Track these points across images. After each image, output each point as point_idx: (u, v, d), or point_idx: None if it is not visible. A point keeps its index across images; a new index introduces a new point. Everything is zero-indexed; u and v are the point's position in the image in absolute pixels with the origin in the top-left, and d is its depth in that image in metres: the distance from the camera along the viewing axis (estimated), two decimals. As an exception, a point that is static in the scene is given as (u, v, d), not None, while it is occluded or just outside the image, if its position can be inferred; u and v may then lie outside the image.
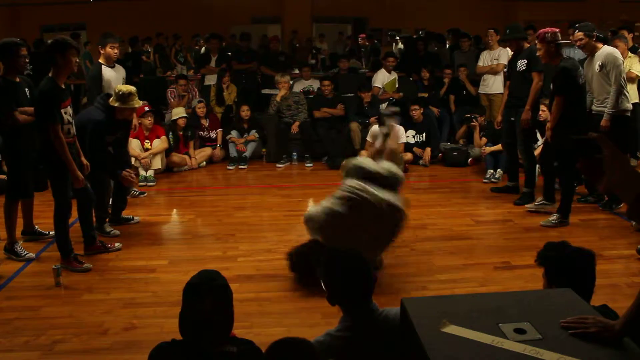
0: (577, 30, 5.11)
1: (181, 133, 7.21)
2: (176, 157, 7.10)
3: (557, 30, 4.98)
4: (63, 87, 4.01)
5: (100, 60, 5.32)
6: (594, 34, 5.07)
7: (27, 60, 4.29)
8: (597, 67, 5.07)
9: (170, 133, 7.13)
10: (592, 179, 1.54)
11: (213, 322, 1.87)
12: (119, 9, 14.44)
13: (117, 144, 4.84)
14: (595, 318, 1.68)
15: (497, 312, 1.78)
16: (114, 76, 5.39)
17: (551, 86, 4.99)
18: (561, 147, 4.78)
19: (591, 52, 5.13)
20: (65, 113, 3.99)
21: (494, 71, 7.74)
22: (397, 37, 13.49)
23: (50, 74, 3.92)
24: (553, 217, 5.04)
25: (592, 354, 1.56)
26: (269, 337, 3.12)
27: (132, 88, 4.72)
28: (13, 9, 15.15)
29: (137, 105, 4.78)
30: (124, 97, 4.60)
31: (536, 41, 5.03)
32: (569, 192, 5.03)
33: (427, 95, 8.26)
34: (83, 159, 4.29)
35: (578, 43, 5.11)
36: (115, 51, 5.40)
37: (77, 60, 4.10)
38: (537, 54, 5.06)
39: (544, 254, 2.40)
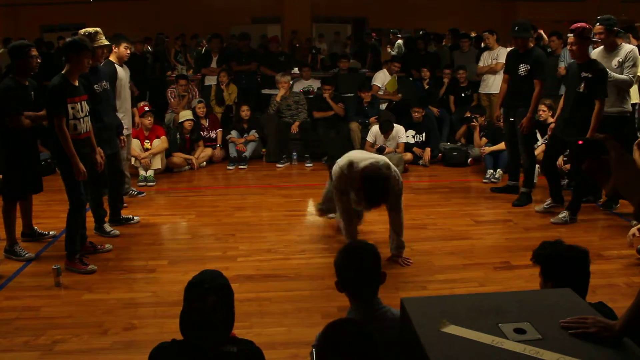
0: (597, 24, 4.94)
1: (188, 136, 7.22)
2: (176, 158, 7.10)
3: (589, 26, 4.83)
4: (76, 84, 4.08)
5: (112, 59, 5.29)
6: (615, 28, 4.98)
7: (38, 61, 4.33)
8: (615, 64, 4.96)
9: (178, 135, 7.14)
10: (598, 180, 1.53)
11: (214, 322, 1.87)
12: (119, 9, 14.44)
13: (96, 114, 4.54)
14: (595, 318, 1.68)
15: (497, 312, 1.78)
16: (124, 75, 5.38)
17: (581, 87, 4.78)
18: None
19: (610, 48, 5.01)
20: (73, 109, 4.01)
21: (493, 70, 7.76)
22: (399, 35, 13.48)
23: (63, 71, 4.04)
24: (563, 214, 5.06)
25: (592, 354, 1.56)
26: (269, 337, 3.15)
27: (97, 28, 4.76)
28: (13, 8, 15.15)
29: (105, 43, 4.77)
30: (90, 37, 4.58)
31: (570, 35, 4.78)
32: (582, 190, 5.04)
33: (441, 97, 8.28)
34: (98, 156, 4.33)
35: (597, 37, 4.93)
36: (128, 52, 5.43)
37: (90, 62, 4.23)
38: (570, 48, 4.84)
39: (538, 252, 2.45)
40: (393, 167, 4.10)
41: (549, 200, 5.35)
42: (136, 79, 8.64)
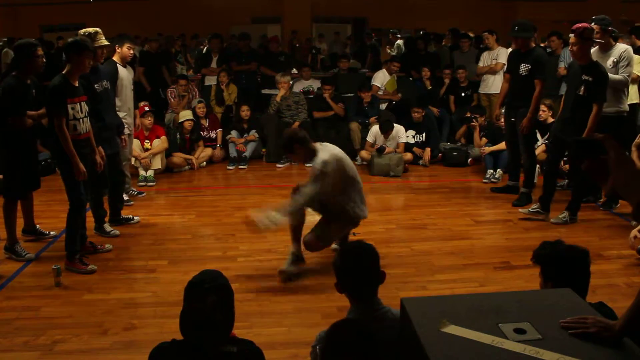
0: (592, 23, 4.94)
1: (188, 136, 7.23)
2: (176, 158, 7.10)
3: (590, 27, 4.82)
4: (76, 85, 4.06)
5: (115, 59, 5.28)
6: (610, 28, 4.99)
7: (43, 61, 4.29)
8: (610, 64, 4.96)
9: (178, 135, 7.15)
10: (597, 180, 1.53)
11: (214, 322, 1.87)
12: (119, 9, 14.45)
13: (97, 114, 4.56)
14: (595, 318, 1.68)
15: (497, 312, 1.78)
16: (126, 75, 5.36)
17: (582, 90, 4.77)
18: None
19: (604, 48, 5.01)
20: (73, 109, 4.01)
21: (492, 70, 7.76)
22: (398, 35, 13.51)
23: (64, 71, 4.03)
24: (563, 214, 5.06)
25: (592, 354, 1.56)
26: (269, 337, 3.15)
27: (97, 28, 4.72)
28: (13, 8, 15.16)
29: (105, 43, 4.75)
30: (91, 37, 4.56)
31: (571, 35, 4.77)
32: (582, 190, 5.06)
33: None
34: (98, 157, 4.32)
35: (594, 37, 4.91)
36: (131, 52, 5.42)
37: (91, 62, 4.22)
38: (570, 49, 4.83)
39: (538, 252, 2.46)
40: (332, 158, 3.97)
41: (535, 205, 5.26)
42: (151, 76, 8.71)
